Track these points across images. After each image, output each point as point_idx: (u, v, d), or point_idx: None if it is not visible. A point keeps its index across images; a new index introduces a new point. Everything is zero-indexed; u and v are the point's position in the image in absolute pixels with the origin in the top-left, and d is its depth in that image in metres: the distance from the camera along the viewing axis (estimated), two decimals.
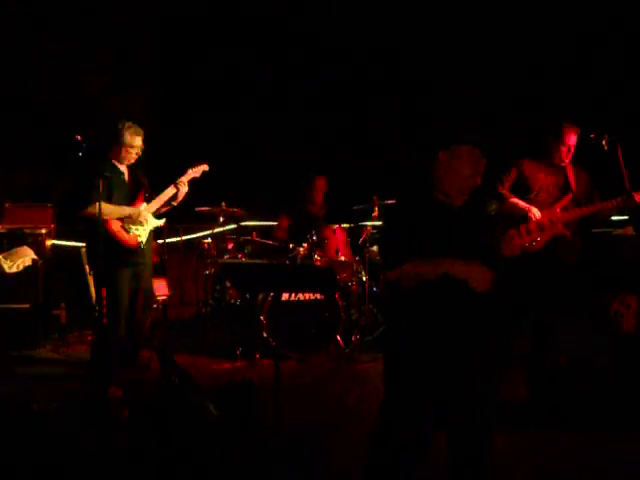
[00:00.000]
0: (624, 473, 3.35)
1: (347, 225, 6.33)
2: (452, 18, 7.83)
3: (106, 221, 4.72)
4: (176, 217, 6.25)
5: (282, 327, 5.54)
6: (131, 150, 4.94)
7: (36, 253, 6.02)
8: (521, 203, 4.95)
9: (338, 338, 5.71)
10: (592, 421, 3.89)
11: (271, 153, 8.10)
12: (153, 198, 5.12)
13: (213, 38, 8.28)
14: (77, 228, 6.58)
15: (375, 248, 6.35)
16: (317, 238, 5.93)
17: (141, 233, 4.97)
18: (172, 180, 5.18)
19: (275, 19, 8.14)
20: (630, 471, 3.36)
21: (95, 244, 4.74)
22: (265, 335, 5.57)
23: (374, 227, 6.24)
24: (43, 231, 6.17)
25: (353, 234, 6.26)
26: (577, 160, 5.11)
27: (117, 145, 4.91)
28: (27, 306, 5.94)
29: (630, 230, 5.56)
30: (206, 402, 3.90)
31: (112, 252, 4.76)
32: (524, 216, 4.93)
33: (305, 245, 5.92)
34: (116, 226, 4.84)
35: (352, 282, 6.19)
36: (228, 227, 6.95)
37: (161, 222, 5.18)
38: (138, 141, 4.94)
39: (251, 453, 3.44)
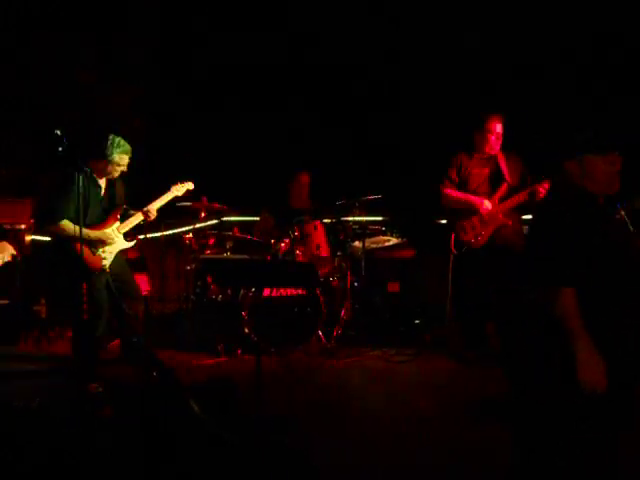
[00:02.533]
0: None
1: (329, 220, 6.35)
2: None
3: (71, 238, 4.57)
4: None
5: (264, 323, 5.55)
6: (117, 168, 4.88)
7: (15, 249, 5.96)
8: (471, 197, 5.24)
9: (320, 333, 5.74)
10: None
11: (253, 148, 8.08)
12: (128, 213, 5.08)
13: (198, 37, 8.23)
14: None
15: (357, 243, 6.38)
16: (299, 234, 5.95)
17: (106, 256, 4.90)
18: (157, 179, 5.16)
19: (261, 19, 8.11)
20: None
21: (62, 256, 4.74)
22: (247, 331, 5.57)
23: (356, 222, 6.26)
24: (23, 226, 6.12)
25: (335, 229, 6.28)
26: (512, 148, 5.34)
27: (103, 159, 4.82)
28: (6, 302, 5.90)
29: None
30: (188, 398, 3.90)
31: (76, 269, 4.65)
32: (468, 211, 5.24)
33: (286, 241, 5.93)
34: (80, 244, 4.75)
35: (334, 277, 6.21)
36: (209, 222, 6.93)
37: (131, 244, 5.12)
38: (126, 159, 4.88)
39: (232, 449, 3.45)
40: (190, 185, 5.37)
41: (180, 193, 5.33)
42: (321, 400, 4.50)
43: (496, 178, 5.27)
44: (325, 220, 6.17)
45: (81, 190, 4.61)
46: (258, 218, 6.69)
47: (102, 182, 4.96)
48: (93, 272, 4.80)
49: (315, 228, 6.00)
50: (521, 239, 5.05)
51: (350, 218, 6.25)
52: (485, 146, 5.24)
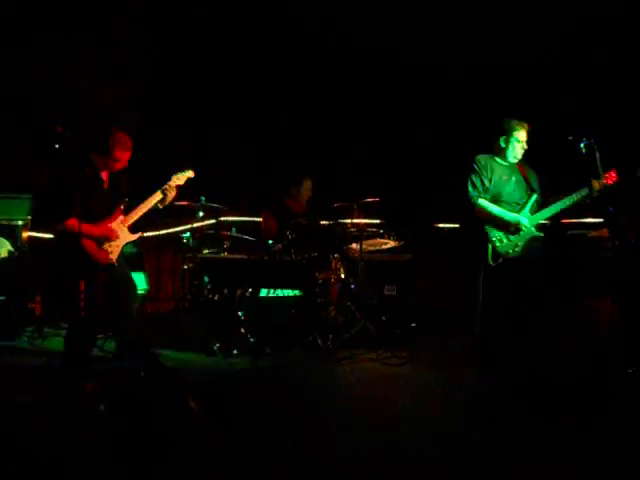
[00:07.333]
0: (602, 464, 3.39)
1: (327, 222, 6.35)
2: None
3: (77, 235, 4.52)
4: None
5: (260, 323, 5.55)
6: (118, 163, 4.86)
7: (12, 245, 5.97)
8: (508, 214, 5.00)
9: (316, 335, 5.73)
10: (573, 418, 3.95)
11: (251, 149, 8.09)
12: (134, 206, 5.01)
13: (199, 30, 8.23)
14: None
15: (355, 246, 6.38)
16: (296, 235, 5.94)
17: (113, 250, 4.86)
18: (153, 176, 5.12)
19: (267, 16, 8.12)
20: (607, 462, 3.40)
21: (67, 253, 4.69)
22: (243, 331, 5.57)
23: (354, 225, 6.25)
24: (20, 223, 6.12)
25: (333, 231, 6.28)
26: (556, 162, 5.21)
27: (104, 154, 4.82)
28: (2, 298, 5.90)
29: (605, 232, 5.63)
30: (186, 397, 3.90)
31: (82, 264, 4.68)
32: (504, 224, 4.99)
33: (284, 242, 5.93)
34: (87, 240, 4.74)
35: (331, 279, 6.20)
36: (207, 222, 6.93)
37: (135, 237, 5.05)
38: (126, 155, 4.87)
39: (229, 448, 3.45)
40: (190, 173, 5.24)
41: (181, 182, 5.24)
42: (317, 401, 4.49)
43: (523, 188, 5.11)
44: (322, 222, 6.16)
45: (84, 185, 4.66)
46: (256, 219, 6.68)
47: (104, 175, 4.95)
48: (100, 267, 4.80)
49: (312, 230, 5.98)
50: (545, 254, 5.06)
51: (348, 220, 6.25)
52: (511, 154, 5.07)
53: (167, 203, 5.13)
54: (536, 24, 7.50)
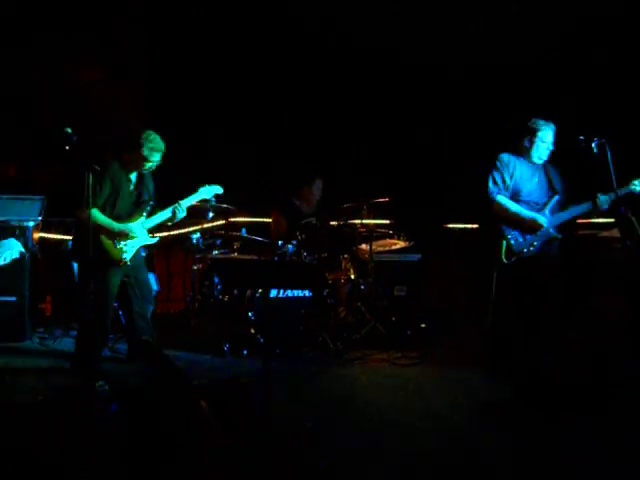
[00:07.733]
0: (602, 464, 3.42)
1: (336, 223, 6.36)
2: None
3: (95, 228, 4.57)
4: None
5: (270, 324, 5.54)
6: (146, 163, 4.84)
7: (23, 246, 5.94)
8: (526, 212, 4.97)
9: (326, 335, 5.73)
10: (576, 420, 3.98)
11: (251, 149, 8.08)
12: (155, 211, 5.03)
13: (199, 30, 8.22)
14: (65, 221, 6.56)
15: (364, 246, 6.39)
16: (306, 236, 5.95)
17: (128, 249, 4.87)
18: (153, 176, 5.12)
19: (267, 16, 8.12)
20: (607, 462, 3.43)
21: (83, 244, 4.62)
22: (253, 332, 5.58)
23: (363, 225, 6.27)
24: (31, 224, 6.11)
25: (342, 232, 6.29)
26: (566, 161, 5.19)
27: (133, 152, 4.80)
28: (13, 299, 5.90)
29: (616, 232, 5.65)
30: (197, 397, 3.90)
31: (98, 256, 4.67)
32: (521, 222, 4.96)
33: (294, 242, 5.93)
34: (105, 235, 4.76)
35: (341, 280, 6.21)
36: (217, 223, 6.93)
37: (153, 241, 5.08)
38: (156, 157, 4.83)
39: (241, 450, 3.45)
40: (219, 189, 5.25)
41: (208, 196, 5.24)
42: (326, 402, 4.51)
43: (545, 188, 5.07)
44: (332, 223, 6.17)
45: (115, 182, 4.72)
46: (266, 219, 6.69)
47: (133, 176, 4.94)
48: (113, 264, 4.80)
49: (322, 231, 6.00)
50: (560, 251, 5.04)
51: (357, 221, 6.26)
52: (535, 154, 5.01)
53: (174, 221, 5.15)
54: (536, 24, 7.51)
